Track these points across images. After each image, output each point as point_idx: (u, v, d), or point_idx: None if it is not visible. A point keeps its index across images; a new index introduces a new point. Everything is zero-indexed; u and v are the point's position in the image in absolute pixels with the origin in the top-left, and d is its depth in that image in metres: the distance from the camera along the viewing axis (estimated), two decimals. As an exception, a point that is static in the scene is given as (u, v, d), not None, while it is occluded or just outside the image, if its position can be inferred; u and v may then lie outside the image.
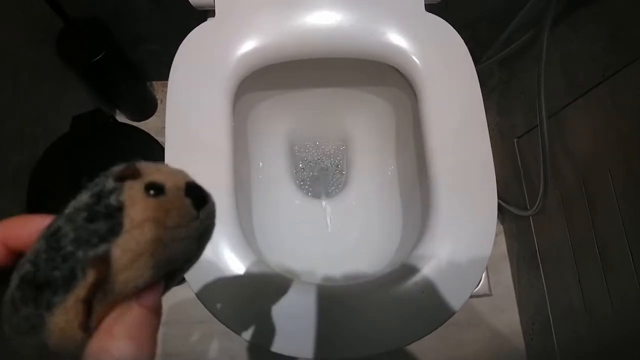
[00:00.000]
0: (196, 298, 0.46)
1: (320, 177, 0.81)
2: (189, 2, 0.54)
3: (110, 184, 0.18)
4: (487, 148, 0.51)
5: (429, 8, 0.56)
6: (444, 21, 0.54)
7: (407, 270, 0.47)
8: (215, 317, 0.45)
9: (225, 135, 0.50)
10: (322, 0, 0.53)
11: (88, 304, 0.16)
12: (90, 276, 0.16)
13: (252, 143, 0.67)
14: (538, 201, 0.82)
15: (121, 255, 0.17)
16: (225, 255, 0.46)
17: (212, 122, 0.50)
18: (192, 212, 0.19)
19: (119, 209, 0.17)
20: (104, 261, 0.17)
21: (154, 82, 1.08)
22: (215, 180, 0.48)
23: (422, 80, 0.52)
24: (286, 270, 0.53)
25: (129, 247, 0.17)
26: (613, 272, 0.68)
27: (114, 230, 0.17)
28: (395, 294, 0.46)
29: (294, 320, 0.44)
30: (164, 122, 1.04)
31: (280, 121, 0.71)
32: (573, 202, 0.77)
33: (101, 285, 0.17)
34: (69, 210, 0.18)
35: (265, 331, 0.44)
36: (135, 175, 0.18)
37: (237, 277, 0.46)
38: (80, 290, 0.16)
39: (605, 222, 0.69)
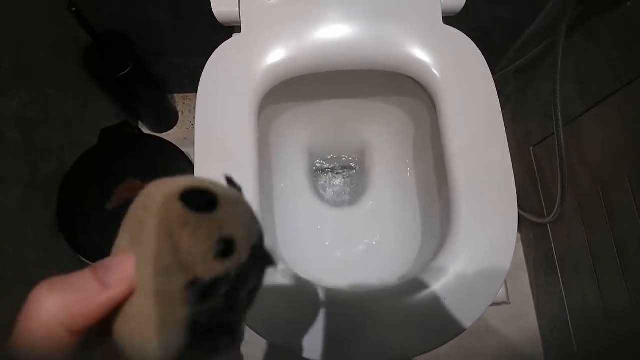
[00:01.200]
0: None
1: (339, 185, 0.83)
2: (211, 17, 0.56)
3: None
4: (507, 158, 0.52)
5: (447, 20, 0.57)
6: (461, 33, 0.56)
7: (426, 280, 0.48)
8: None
9: (251, 146, 0.52)
10: (343, 15, 0.55)
11: None
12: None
13: (273, 153, 0.69)
14: (556, 208, 0.82)
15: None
16: None
17: (238, 133, 0.52)
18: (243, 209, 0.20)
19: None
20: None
21: (175, 95, 1.11)
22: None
23: (441, 91, 0.54)
24: (304, 275, 0.54)
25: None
26: (633, 278, 0.68)
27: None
28: (413, 303, 0.47)
29: (309, 324, 0.46)
30: (185, 133, 1.08)
31: (301, 131, 0.73)
32: (591, 209, 0.77)
33: None
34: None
35: (284, 334, 0.45)
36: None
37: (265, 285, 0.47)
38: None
39: (625, 228, 0.69)
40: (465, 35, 0.56)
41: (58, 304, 0.15)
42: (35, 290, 0.16)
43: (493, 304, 1.00)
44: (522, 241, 1.02)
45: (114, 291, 0.16)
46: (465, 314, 0.47)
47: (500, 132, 0.53)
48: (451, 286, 0.48)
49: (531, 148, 0.93)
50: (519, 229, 1.03)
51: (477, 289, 0.48)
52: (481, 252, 0.49)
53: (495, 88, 0.55)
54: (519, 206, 0.91)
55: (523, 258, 1.01)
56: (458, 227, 0.50)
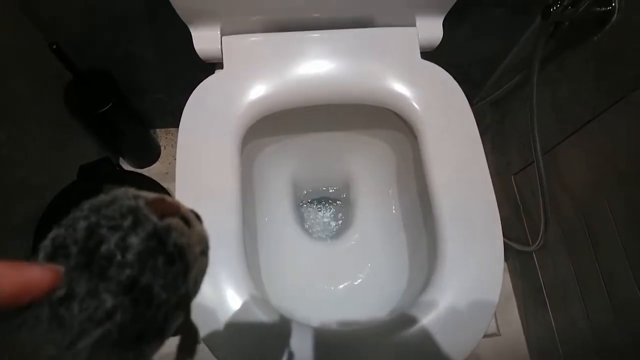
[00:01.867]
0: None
1: (325, 219, 0.82)
2: (194, 55, 0.57)
3: (161, 223, 0.18)
4: (490, 189, 0.53)
5: (425, 55, 0.59)
6: (439, 67, 0.58)
7: (412, 317, 0.47)
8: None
9: (233, 180, 0.51)
10: (323, 51, 0.57)
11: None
12: (180, 318, 0.18)
13: (257, 186, 0.68)
14: (540, 236, 0.82)
15: (194, 288, 0.19)
16: (231, 297, 0.46)
17: (220, 167, 0.52)
18: (207, 235, 0.21)
19: (183, 248, 0.18)
20: (188, 297, 0.18)
21: (157, 130, 1.11)
22: (223, 224, 0.49)
23: (422, 123, 0.55)
24: (291, 312, 0.53)
25: (196, 279, 0.19)
26: (621, 304, 0.68)
27: (187, 269, 0.18)
28: (399, 341, 0.46)
29: None
30: (167, 168, 1.07)
31: (285, 164, 0.73)
32: (574, 235, 0.77)
33: None
34: (131, 257, 0.17)
35: None
36: (172, 212, 0.19)
37: (242, 320, 0.45)
38: (173, 329, 0.18)
39: (608, 253, 0.69)
40: (442, 69, 0.58)
41: None
42: None
43: (484, 336, 0.98)
44: (510, 271, 1.01)
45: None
46: (457, 348, 0.46)
47: (481, 162, 0.54)
48: (441, 320, 0.47)
49: (512, 177, 0.95)
50: (505, 259, 1.02)
51: (467, 322, 0.47)
52: (469, 284, 0.49)
53: (474, 119, 0.56)
54: (503, 235, 0.91)
55: (511, 288, 1.00)
56: (444, 260, 0.50)
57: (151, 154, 1.06)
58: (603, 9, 0.64)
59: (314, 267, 0.69)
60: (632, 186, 0.63)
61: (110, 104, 0.83)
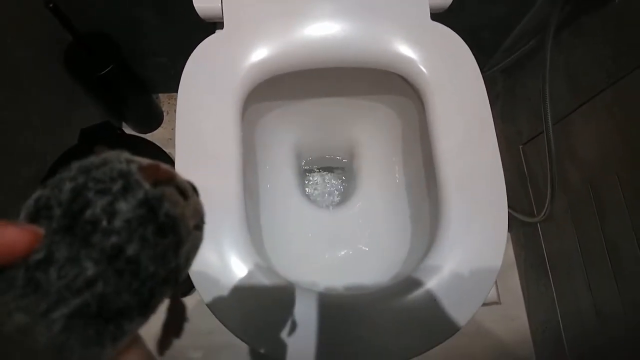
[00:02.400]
0: (204, 308, 0.46)
1: (327, 185, 0.82)
2: (197, 15, 0.55)
3: (153, 191, 0.17)
4: (497, 157, 0.51)
5: (435, 17, 0.56)
6: (449, 30, 0.55)
7: (415, 281, 0.47)
8: (225, 325, 0.45)
9: (234, 145, 0.50)
10: (329, 12, 0.54)
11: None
12: (167, 295, 0.17)
13: (260, 152, 0.67)
14: (546, 207, 0.81)
15: (185, 264, 0.17)
16: (235, 263, 0.46)
17: (221, 132, 0.51)
18: (203, 209, 0.20)
19: (176, 219, 0.17)
20: (177, 273, 0.17)
21: (160, 95, 1.09)
22: (224, 189, 0.48)
23: (430, 88, 0.53)
24: (294, 278, 0.53)
25: (188, 255, 0.18)
26: (624, 277, 0.68)
27: (179, 242, 0.17)
28: (402, 305, 0.46)
29: (300, 329, 0.44)
30: (169, 133, 1.06)
31: (288, 130, 0.71)
32: (581, 208, 0.76)
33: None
34: (119, 223, 0.15)
35: (272, 340, 0.44)
36: (167, 179, 0.18)
37: (246, 286, 0.46)
38: (159, 307, 0.17)
39: (615, 226, 0.68)
40: (453, 31, 0.55)
41: None
42: None
43: (484, 305, 0.99)
44: (513, 241, 1.01)
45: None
46: (459, 314, 0.46)
47: (489, 130, 0.52)
48: (443, 286, 0.46)
49: (520, 147, 0.93)
50: (509, 229, 1.02)
51: (469, 288, 0.47)
52: (472, 250, 0.48)
53: (484, 85, 0.54)
54: (508, 206, 0.90)
55: (514, 258, 1.00)
56: (448, 226, 0.49)
57: (154, 119, 1.05)
58: (623, -31, 0.61)
59: (317, 234, 0.69)
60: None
61: (111, 66, 0.81)
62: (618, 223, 0.67)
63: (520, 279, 0.99)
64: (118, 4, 0.77)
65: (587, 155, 0.74)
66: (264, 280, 0.46)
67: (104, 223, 0.15)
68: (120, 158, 0.17)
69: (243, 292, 0.46)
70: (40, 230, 0.15)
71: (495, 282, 0.98)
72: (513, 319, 0.96)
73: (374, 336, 0.45)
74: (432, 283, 0.46)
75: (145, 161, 0.18)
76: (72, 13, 0.73)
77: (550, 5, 0.68)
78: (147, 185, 0.17)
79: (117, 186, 0.16)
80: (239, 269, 0.46)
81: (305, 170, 0.82)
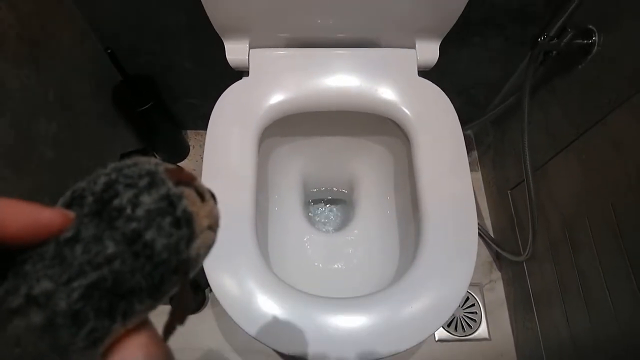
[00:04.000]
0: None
1: (330, 214, 0.91)
2: (227, 65, 0.68)
3: (175, 189, 0.19)
4: (469, 188, 0.61)
5: (422, 73, 0.68)
6: (432, 83, 0.67)
7: (397, 291, 0.55)
8: (245, 330, 0.53)
9: (251, 170, 0.61)
10: (334, 67, 0.67)
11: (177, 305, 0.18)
12: (179, 281, 0.18)
13: (271, 179, 0.78)
14: (528, 247, 0.89)
15: (195, 259, 0.19)
16: (248, 274, 0.55)
17: (241, 158, 0.62)
18: (219, 214, 0.21)
19: (191, 216, 0.18)
20: (187, 265, 0.18)
21: (188, 131, 1.23)
22: (240, 204, 0.59)
23: (414, 129, 0.64)
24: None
25: (199, 252, 0.19)
26: (595, 309, 0.74)
27: (192, 236, 0.18)
28: (385, 308, 0.54)
29: (299, 324, 0.53)
30: (194, 165, 1.19)
31: (296, 162, 0.83)
32: (559, 246, 0.84)
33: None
34: (140, 212, 0.17)
35: (275, 334, 0.52)
36: (188, 181, 0.20)
37: (260, 293, 0.54)
38: (167, 295, 0.18)
39: (586, 263, 0.76)
40: (436, 85, 0.67)
41: None
42: None
43: (474, 340, 1.04)
44: (503, 280, 1.07)
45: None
46: (432, 322, 0.54)
47: (464, 165, 0.62)
48: (418, 296, 0.55)
49: (509, 192, 1.02)
50: (500, 268, 1.09)
51: (442, 299, 0.55)
52: (445, 269, 0.56)
53: (460, 128, 0.64)
54: (498, 245, 0.99)
55: (504, 296, 1.06)
56: (425, 246, 0.58)
57: (181, 151, 1.18)
58: (585, 41, 0.72)
59: (317, 254, 0.78)
60: (607, 204, 0.70)
61: (150, 104, 0.95)
62: (588, 259, 0.75)
63: (510, 315, 1.04)
64: (161, 52, 0.92)
65: (562, 199, 0.83)
66: (275, 286, 0.55)
67: (128, 211, 0.17)
68: (149, 161, 0.19)
69: (257, 298, 0.55)
70: (72, 214, 0.17)
71: (486, 319, 1.04)
72: (502, 354, 1.00)
73: (356, 334, 0.52)
74: (408, 294, 0.55)
75: (170, 165, 0.20)
76: (124, 58, 0.88)
77: (525, 69, 0.80)
78: (170, 184, 0.18)
79: (143, 182, 0.18)
80: (252, 279, 0.55)
81: (311, 201, 0.92)
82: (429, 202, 0.60)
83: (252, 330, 0.52)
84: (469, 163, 1.13)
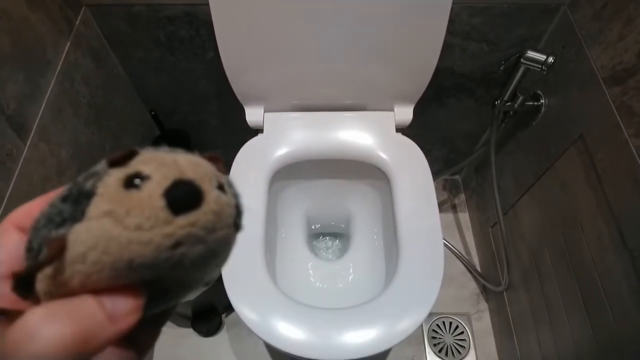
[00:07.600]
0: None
1: (329, 243, 1.06)
2: (246, 124, 0.87)
3: (102, 167, 0.17)
4: (437, 222, 0.76)
5: (400, 130, 0.86)
6: (407, 138, 0.84)
7: (377, 303, 0.69)
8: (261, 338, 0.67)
9: (262, 205, 0.78)
10: (330, 126, 0.85)
11: (31, 278, 0.15)
12: (44, 255, 0.16)
13: (279, 216, 0.95)
14: (505, 278, 1.02)
15: (74, 243, 0.16)
16: (260, 295, 0.70)
17: (255, 197, 0.79)
18: (161, 215, 0.16)
19: (90, 195, 0.16)
20: (59, 244, 0.15)
21: (212, 176, 1.42)
22: (251, 235, 0.75)
23: (392, 173, 0.80)
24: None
25: (81, 238, 0.16)
26: (558, 332, 0.85)
27: (76, 215, 0.16)
28: (368, 315, 0.68)
29: (300, 326, 0.67)
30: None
31: (300, 201, 0.99)
32: (529, 276, 0.96)
33: (55, 268, 0.16)
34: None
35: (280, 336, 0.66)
36: (126, 161, 0.17)
37: (278, 311, 0.69)
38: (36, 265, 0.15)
39: (550, 288, 0.88)
40: (410, 140, 0.84)
41: (59, 338, 0.14)
42: (31, 316, 0.14)
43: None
44: (490, 310, 1.18)
45: (122, 325, 0.15)
46: (405, 326, 0.67)
47: (433, 204, 0.78)
48: (393, 308, 0.68)
49: (489, 229, 1.16)
50: (487, 300, 1.20)
51: (411, 311, 0.69)
52: (415, 286, 0.70)
53: (430, 172, 0.81)
54: (483, 278, 1.13)
55: (490, 326, 1.16)
56: (400, 268, 0.72)
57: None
58: (535, 103, 0.89)
59: (318, 278, 0.93)
60: (560, 237, 0.84)
61: (183, 153, 1.14)
62: (550, 287, 0.87)
63: (496, 343, 1.14)
64: (193, 112, 1.13)
65: (528, 234, 0.96)
66: (286, 303, 0.69)
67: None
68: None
69: (270, 309, 0.69)
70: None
71: (474, 346, 1.14)
72: (488, 380, 1.10)
73: (345, 336, 0.66)
74: (386, 306, 0.69)
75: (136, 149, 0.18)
76: (163, 116, 1.09)
77: (490, 126, 0.97)
78: (100, 167, 0.17)
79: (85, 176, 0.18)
80: (265, 298, 0.70)
81: (314, 235, 1.08)
82: (403, 233, 0.76)
83: (267, 337, 0.67)
84: (457, 205, 1.31)
